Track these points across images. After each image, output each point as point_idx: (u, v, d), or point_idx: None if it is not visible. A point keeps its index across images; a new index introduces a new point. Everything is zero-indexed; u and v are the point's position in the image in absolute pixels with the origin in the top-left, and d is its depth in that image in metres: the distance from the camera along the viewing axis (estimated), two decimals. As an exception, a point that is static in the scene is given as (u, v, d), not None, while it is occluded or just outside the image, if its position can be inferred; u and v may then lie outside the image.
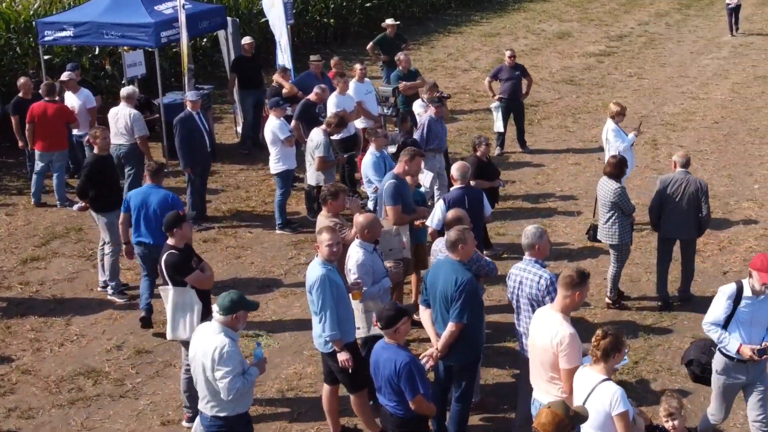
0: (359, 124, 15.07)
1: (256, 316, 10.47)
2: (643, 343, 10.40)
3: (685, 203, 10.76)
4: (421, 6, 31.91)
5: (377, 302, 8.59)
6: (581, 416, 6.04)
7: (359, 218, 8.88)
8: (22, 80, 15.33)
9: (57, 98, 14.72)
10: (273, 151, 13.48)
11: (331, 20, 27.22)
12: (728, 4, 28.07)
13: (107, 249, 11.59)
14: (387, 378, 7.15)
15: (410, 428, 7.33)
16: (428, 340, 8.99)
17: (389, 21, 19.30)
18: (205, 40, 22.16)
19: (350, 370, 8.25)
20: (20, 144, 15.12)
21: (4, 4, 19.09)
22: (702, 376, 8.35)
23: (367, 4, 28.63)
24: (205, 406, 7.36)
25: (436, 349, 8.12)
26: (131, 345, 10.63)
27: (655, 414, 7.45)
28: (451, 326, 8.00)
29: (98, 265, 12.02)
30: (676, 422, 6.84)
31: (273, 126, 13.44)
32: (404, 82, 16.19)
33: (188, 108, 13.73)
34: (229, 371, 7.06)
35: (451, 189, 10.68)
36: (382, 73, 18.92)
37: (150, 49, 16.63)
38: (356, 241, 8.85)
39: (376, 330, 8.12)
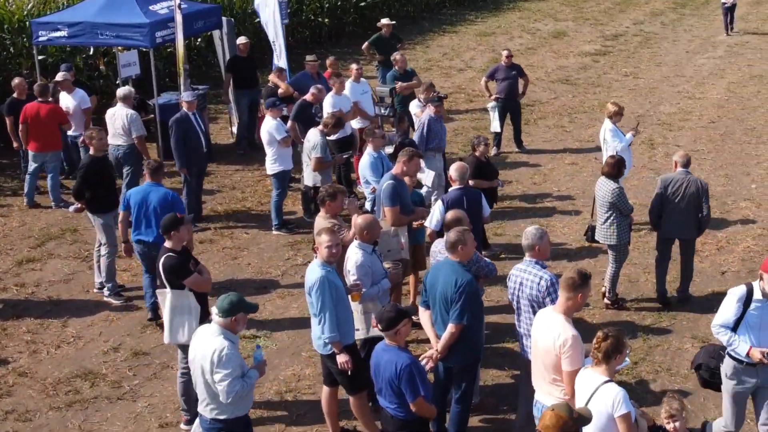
0: (355, 124, 15.02)
1: (253, 317, 10.42)
2: (642, 344, 10.37)
3: (685, 203, 10.74)
4: (415, 5, 31.90)
5: (376, 303, 8.57)
6: (585, 418, 6.00)
7: (358, 219, 8.85)
8: (16, 81, 15.24)
9: (50, 99, 14.65)
10: (269, 151, 13.43)
11: (326, 20, 27.17)
12: (724, 3, 28.09)
13: (103, 250, 11.54)
14: (388, 380, 7.11)
15: (411, 430, 7.29)
16: (427, 340, 8.97)
17: (385, 21, 19.25)
18: (199, 40, 22.09)
19: (350, 372, 8.21)
20: (15, 145, 15.04)
21: (-3, 4, 19.02)
22: (711, 380, 8.24)
23: (362, 4, 28.58)
24: (204, 409, 7.31)
25: (436, 350, 8.09)
26: (128, 347, 10.57)
27: (655, 415, 7.42)
28: (451, 327, 7.97)
29: (94, 267, 11.96)
30: (677, 424, 6.82)
31: (269, 127, 13.40)
32: (401, 83, 16.16)
33: (184, 109, 13.68)
34: (228, 374, 7.02)
35: (450, 190, 10.65)
36: (378, 72, 18.88)
37: (144, 50, 16.55)
38: (355, 243, 8.81)
39: (375, 331, 8.07)
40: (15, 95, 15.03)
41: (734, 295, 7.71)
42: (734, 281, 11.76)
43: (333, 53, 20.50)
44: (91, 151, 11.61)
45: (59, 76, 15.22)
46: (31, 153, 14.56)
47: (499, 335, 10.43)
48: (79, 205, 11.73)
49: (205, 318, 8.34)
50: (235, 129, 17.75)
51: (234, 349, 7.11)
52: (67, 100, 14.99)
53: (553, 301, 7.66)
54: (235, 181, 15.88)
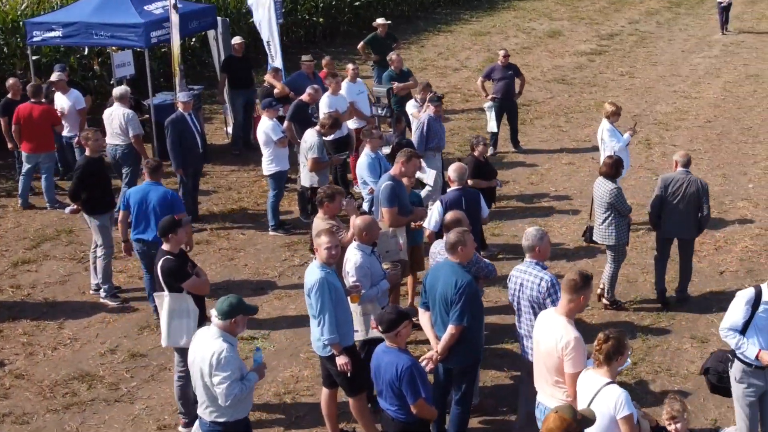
0: (352, 124, 14.97)
1: (251, 318, 10.35)
2: (641, 344, 10.35)
3: (685, 203, 10.72)
4: (410, 4, 31.84)
5: (375, 305, 8.53)
6: (589, 420, 5.98)
7: (357, 221, 8.80)
8: (10, 81, 15.16)
9: (43, 99, 14.59)
10: (266, 152, 13.38)
11: (321, 19, 27.11)
12: (719, 3, 28.08)
13: (99, 252, 11.48)
14: (388, 382, 7.08)
15: (411, 432, 7.26)
16: (425, 341, 8.93)
17: (380, 20, 19.21)
18: (194, 40, 22.02)
19: (349, 374, 8.17)
20: (9, 146, 14.96)
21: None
22: (719, 385, 8.16)
23: (356, 3, 28.51)
24: (204, 411, 7.26)
25: (436, 351, 8.06)
26: (125, 348, 10.52)
27: (656, 416, 7.39)
28: (451, 329, 7.94)
29: (90, 268, 11.89)
30: (678, 425, 6.81)
31: (265, 127, 13.35)
32: (397, 83, 16.11)
33: (180, 109, 13.62)
34: (226, 377, 6.97)
35: (448, 190, 10.61)
36: (373, 72, 18.84)
37: (139, 50, 16.50)
38: (354, 244, 8.76)
39: (374, 333, 8.04)
40: (9, 96, 14.95)
41: (742, 297, 7.64)
42: (732, 281, 11.77)
43: (328, 53, 20.41)
44: (87, 152, 11.54)
45: (54, 77, 15.16)
46: (24, 154, 14.50)
47: (499, 336, 10.39)
48: (75, 207, 11.66)
49: (203, 320, 8.30)
50: (230, 129, 17.68)
51: (233, 351, 7.07)
52: (61, 101, 14.92)
53: (553, 302, 7.64)
54: (231, 182, 15.82)
